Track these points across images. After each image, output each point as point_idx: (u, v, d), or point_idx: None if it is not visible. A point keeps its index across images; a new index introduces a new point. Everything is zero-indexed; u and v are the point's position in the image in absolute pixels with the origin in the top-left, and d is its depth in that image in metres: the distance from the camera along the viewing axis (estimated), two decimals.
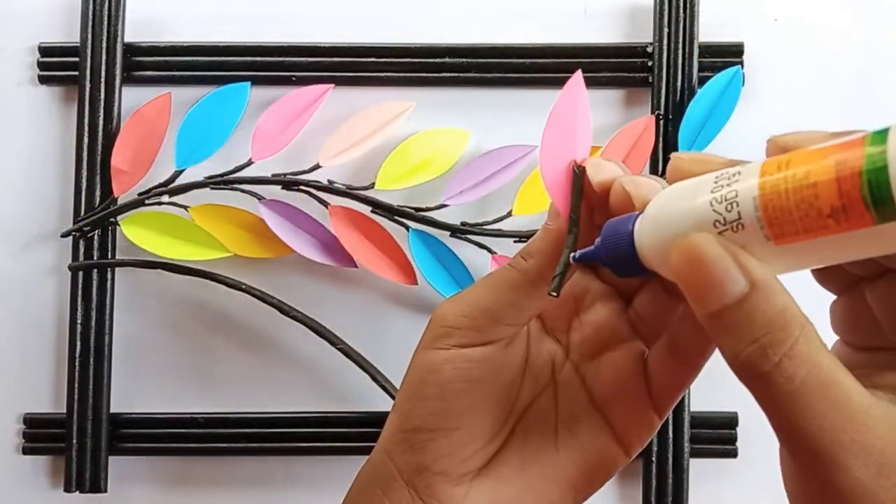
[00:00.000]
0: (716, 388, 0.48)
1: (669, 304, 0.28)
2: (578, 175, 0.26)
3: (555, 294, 0.25)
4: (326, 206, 0.47)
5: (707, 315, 0.21)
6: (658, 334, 0.28)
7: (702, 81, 0.48)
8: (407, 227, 0.48)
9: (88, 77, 0.48)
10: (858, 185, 0.18)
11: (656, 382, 0.28)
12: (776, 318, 0.20)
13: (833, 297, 0.25)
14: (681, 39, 0.48)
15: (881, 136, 0.18)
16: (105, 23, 0.49)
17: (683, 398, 0.47)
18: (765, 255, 0.21)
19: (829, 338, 0.24)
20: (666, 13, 0.48)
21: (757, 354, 0.20)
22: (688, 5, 0.48)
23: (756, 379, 0.20)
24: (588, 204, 0.26)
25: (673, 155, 0.24)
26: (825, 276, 0.24)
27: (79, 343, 0.48)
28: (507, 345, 0.28)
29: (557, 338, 0.29)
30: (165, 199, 0.48)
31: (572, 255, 0.26)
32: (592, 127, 0.50)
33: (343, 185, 0.48)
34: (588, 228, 0.26)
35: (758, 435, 0.48)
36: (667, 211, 0.23)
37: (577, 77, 0.27)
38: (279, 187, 0.48)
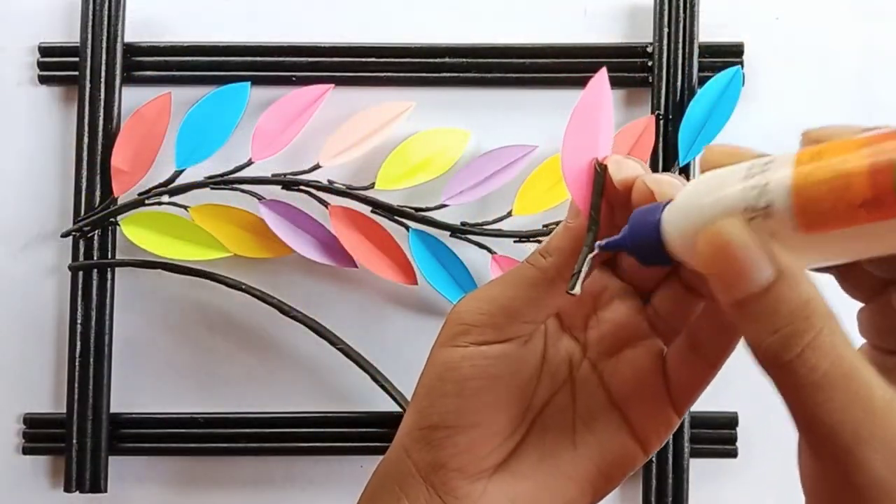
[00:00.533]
0: (716, 388, 0.48)
1: (689, 301, 0.28)
2: (600, 173, 0.26)
3: (573, 292, 0.25)
4: (326, 206, 0.47)
5: (732, 303, 0.21)
6: (676, 332, 0.28)
7: (702, 81, 0.48)
8: (407, 227, 0.48)
9: (88, 77, 0.48)
10: (892, 176, 0.19)
11: (675, 380, 0.28)
12: (801, 307, 0.20)
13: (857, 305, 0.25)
14: (681, 39, 0.48)
15: None
16: (105, 23, 0.49)
17: None
18: (792, 245, 0.21)
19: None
20: (666, 13, 0.48)
21: (780, 344, 0.20)
22: (688, 5, 0.48)
23: (778, 368, 0.20)
24: (608, 202, 0.26)
25: (705, 147, 0.25)
26: (852, 283, 0.24)
27: (79, 343, 0.48)
28: (526, 342, 0.28)
29: (575, 335, 0.29)
30: (165, 199, 0.48)
31: (598, 243, 0.26)
32: None
33: (343, 185, 0.48)
34: (608, 227, 0.26)
35: (758, 435, 0.48)
36: (696, 199, 0.23)
37: (602, 75, 0.27)
38: (279, 187, 0.48)
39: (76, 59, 0.49)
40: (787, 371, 0.20)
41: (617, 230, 0.26)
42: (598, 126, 0.27)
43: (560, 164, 0.26)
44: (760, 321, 0.20)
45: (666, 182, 0.25)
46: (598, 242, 0.26)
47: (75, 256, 0.48)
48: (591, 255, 0.26)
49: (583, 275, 0.25)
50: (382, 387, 0.47)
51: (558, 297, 0.27)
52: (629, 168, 0.26)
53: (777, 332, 0.20)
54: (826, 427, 0.20)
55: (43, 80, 0.50)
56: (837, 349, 0.20)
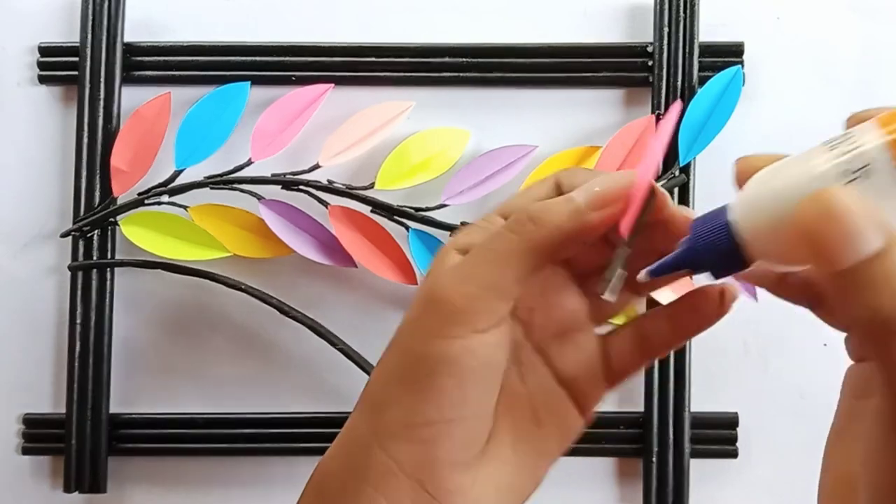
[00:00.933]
0: (716, 388, 0.48)
1: (628, 296, 0.29)
2: (654, 197, 0.26)
3: (607, 298, 0.25)
4: (326, 206, 0.47)
5: (839, 272, 0.20)
6: (608, 317, 0.29)
7: (702, 81, 0.48)
8: (407, 227, 0.48)
9: (88, 77, 0.48)
10: None
11: (617, 365, 0.29)
12: None
13: None
14: (681, 39, 0.48)
15: None
16: (105, 23, 0.49)
17: (684, 398, 0.47)
18: None
19: None
20: (666, 13, 0.48)
21: None
22: (688, 5, 0.48)
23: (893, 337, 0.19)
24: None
25: (738, 159, 0.25)
26: None
27: (79, 343, 0.48)
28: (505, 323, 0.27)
29: (520, 316, 0.29)
30: (165, 199, 0.48)
31: (649, 269, 0.25)
32: (593, 127, 0.50)
33: (343, 185, 0.48)
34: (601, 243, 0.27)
35: (758, 435, 0.48)
36: (776, 184, 0.22)
37: (678, 105, 0.29)
38: (279, 187, 0.48)
39: (76, 59, 0.49)
40: None
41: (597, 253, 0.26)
42: (661, 151, 0.28)
43: (637, 175, 0.26)
44: (876, 287, 0.19)
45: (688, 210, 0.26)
46: (648, 269, 0.25)
47: (75, 256, 0.48)
48: (647, 272, 0.26)
49: (614, 282, 0.25)
50: None
51: (538, 270, 0.26)
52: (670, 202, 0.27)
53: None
54: None
55: (43, 80, 0.50)
56: None
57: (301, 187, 0.48)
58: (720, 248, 0.23)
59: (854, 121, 0.23)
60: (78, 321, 0.48)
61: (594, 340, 0.29)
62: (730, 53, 0.49)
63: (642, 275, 0.25)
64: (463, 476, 0.26)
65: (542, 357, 0.29)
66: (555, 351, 0.29)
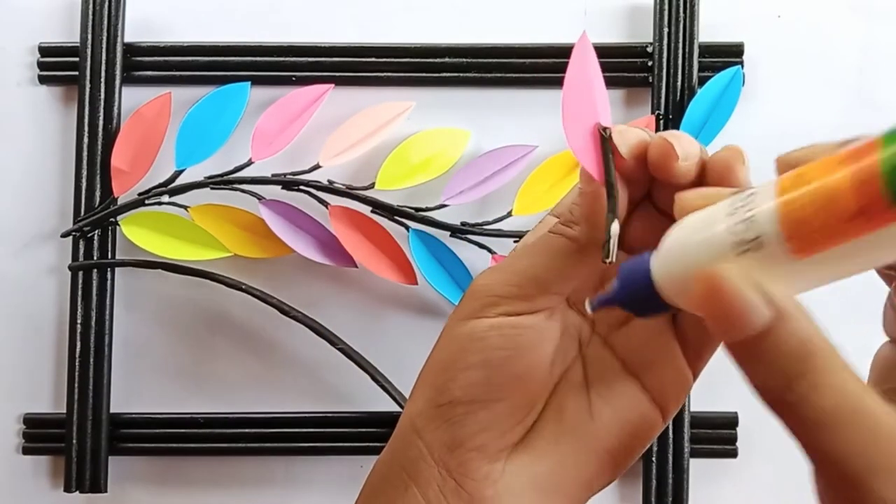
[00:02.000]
0: (716, 388, 0.48)
1: None
2: (606, 138, 0.26)
3: (608, 260, 0.25)
4: (326, 206, 0.47)
5: (732, 346, 0.21)
6: None
7: (702, 81, 0.48)
8: (407, 227, 0.48)
9: (88, 77, 0.48)
10: (878, 186, 0.19)
11: (692, 338, 0.28)
12: (800, 348, 0.20)
13: (884, 297, 0.25)
14: (681, 39, 0.48)
15: (894, 136, 0.19)
16: (105, 23, 0.49)
17: None
18: (788, 274, 0.21)
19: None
20: (666, 13, 0.48)
21: (783, 385, 0.20)
22: (688, 5, 0.48)
23: (783, 408, 0.20)
24: (620, 173, 0.26)
25: (677, 195, 0.24)
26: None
27: (79, 343, 0.48)
28: (550, 316, 0.27)
29: (582, 311, 0.29)
30: (165, 199, 0.48)
31: (590, 300, 0.26)
32: None
33: (343, 185, 0.48)
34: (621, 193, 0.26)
35: (758, 435, 0.48)
36: (682, 243, 0.23)
37: (584, 39, 0.27)
38: (279, 187, 0.48)
39: (76, 59, 0.49)
40: (793, 411, 0.20)
41: (632, 203, 0.26)
42: (592, 91, 0.27)
43: (564, 132, 0.26)
44: (761, 363, 0.20)
45: (677, 135, 0.25)
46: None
47: (75, 256, 0.48)
48: (616, 223, 0.25)
49: (614, 242, 0.25)
50: (382, 387, 0.47)
51: (586, 266, 0.27)
52: (634, 135, 0.26)
53: (779, 374, 0.20)
54: (837, 460, 0.19)
55: (43, 80, 0.50)
56: (840, 385, 0.20)
57: (301, 187, 0.48)
58: (641, 294, 0.24)
59: (781, 165, 0.22)
60: (78, 321, 0.48)
61: (662, 322, 0.28)
62: (730, 53, 0.49)
63: (586, 306, 0.26)
64: (491, 465, 0.26)
65: (609, 349, 0.28)
66: (622, 339, 0.28)
